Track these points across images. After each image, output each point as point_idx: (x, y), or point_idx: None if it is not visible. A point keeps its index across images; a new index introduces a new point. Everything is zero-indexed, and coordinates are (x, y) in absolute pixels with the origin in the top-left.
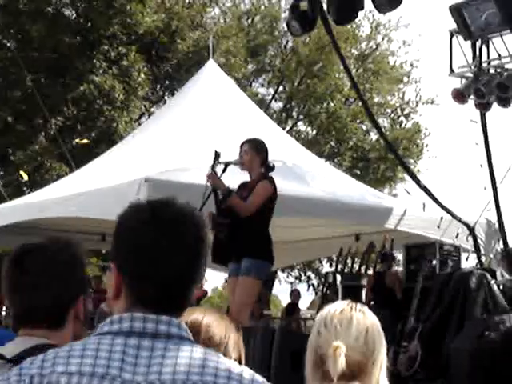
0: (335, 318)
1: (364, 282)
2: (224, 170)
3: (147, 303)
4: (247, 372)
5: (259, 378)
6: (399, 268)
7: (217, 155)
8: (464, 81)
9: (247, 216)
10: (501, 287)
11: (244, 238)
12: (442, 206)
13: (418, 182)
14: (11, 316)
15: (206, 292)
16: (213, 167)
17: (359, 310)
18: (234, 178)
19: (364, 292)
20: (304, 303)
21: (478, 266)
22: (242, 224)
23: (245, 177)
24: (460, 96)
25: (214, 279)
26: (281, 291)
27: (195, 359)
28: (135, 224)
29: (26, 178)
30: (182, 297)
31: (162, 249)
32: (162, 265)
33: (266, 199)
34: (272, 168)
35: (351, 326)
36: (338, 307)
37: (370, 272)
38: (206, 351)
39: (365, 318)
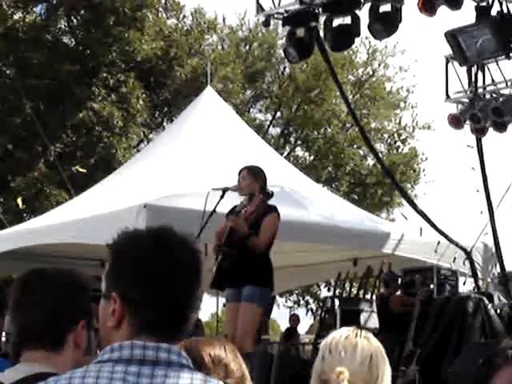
0: (340, 344)
1: (362, 306)
2: (222, 196)
3: (151, 330)
4: None
5: None
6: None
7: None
8: (460, 106)
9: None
10: (498, 311)
11: (247, 265)
12: (439, 231)
13: (414, 206)
14: (12, 340)
15: (199, 320)
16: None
17: (364, 336)
18: (231, 203)
19: (362, 316)
20: (303, 328)
21: (476, 290)
22: (245, 252)
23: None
24: (456, 121)
25: (211, 304)
26: (279, 316)
27: None
28: (139, 252)
29: (20, 205)
30: (185, 322)
31: (166, 276)
32: (167, 291)
33: (276, 232)
34: (271, 195)
35: (356, 352)
36: (343, 333)
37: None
38: (206, 378)
39: (369, 344)
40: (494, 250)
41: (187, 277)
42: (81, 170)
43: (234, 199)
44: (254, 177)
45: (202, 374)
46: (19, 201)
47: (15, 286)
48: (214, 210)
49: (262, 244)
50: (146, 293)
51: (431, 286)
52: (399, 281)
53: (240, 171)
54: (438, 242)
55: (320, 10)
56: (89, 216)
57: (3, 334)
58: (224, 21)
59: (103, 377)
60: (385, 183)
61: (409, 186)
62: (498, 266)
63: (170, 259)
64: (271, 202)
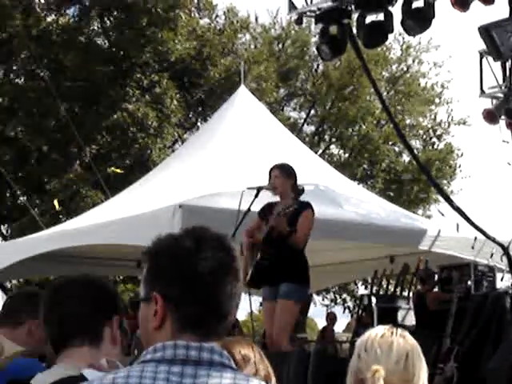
0: (376, 343)
1: (399, 303)
2: (256, 195)
3: (193, 328)
4: None
5: None
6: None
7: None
8: (495, 101)
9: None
10: None
11: (284, 262)
12: (476, 227)
13: (451, 202)
14: (50, 339)
15: (236, 320)
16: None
17: (400, 334)
18: (265, 202)
19: (400, 314)
20: (340, 326)
21: None
22: (283, 250)
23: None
24: (491, 116)
25: (248, 303)
26: (316, 314)
27: None
28: (176, 251)
29: (57, 206)
30: (225, 319)
31: (205, 273)
32: (207, 288)
33: (311, 228)
34: (302, 191)
35: (391, 351)
36: (379, 332)
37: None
38: (249, 378)
39: (405, 342)
40: None
41: (225, 274)
42: (116, 170)
43: (267, 198)
44: (286, 175)
45: (244, 374)
46: (56, 203)
47: (47, 292)
48: (249, 209)
49: (300, 241)
50: (187, 290)
51: (468, 282)
52: (436, 278)
53: (271, 170)
54: (475, 238)
55: (352, 6)
56: (125, 217)
57: None
58: (256, 19)
59: (147, 377)
60: (421, 180)
61: (445, 182)
62: None
63: (207, 257)
64: (306, 199)
